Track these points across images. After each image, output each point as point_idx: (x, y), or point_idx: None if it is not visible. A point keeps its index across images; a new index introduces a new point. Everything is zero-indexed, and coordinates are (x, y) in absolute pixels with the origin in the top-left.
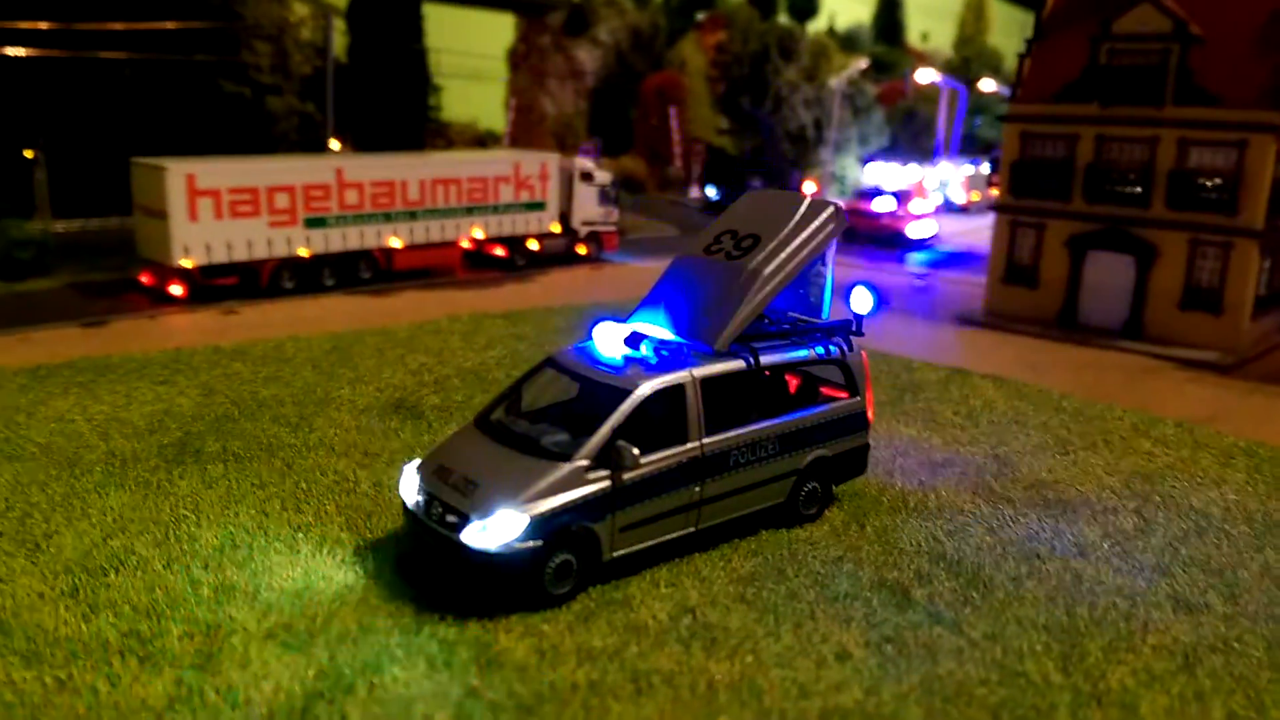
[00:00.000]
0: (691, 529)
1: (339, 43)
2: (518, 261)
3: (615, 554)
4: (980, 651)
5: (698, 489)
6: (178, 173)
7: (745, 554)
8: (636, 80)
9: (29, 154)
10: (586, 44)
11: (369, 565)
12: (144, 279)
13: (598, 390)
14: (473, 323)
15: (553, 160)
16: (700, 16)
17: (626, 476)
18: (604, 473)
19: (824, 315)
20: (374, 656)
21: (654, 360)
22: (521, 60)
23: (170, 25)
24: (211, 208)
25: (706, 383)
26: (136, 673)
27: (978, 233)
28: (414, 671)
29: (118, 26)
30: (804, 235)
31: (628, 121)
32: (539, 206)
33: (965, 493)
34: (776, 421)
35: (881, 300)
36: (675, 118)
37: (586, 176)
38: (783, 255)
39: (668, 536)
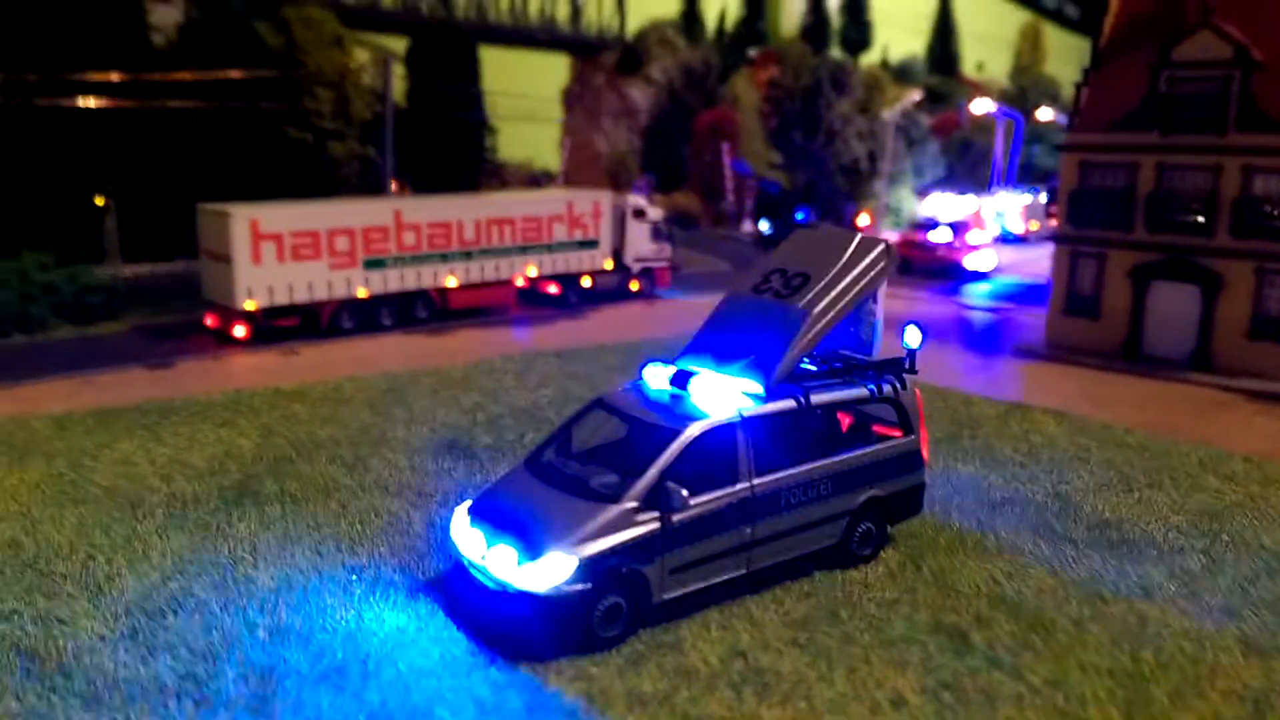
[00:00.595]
0: (743, 570)
1: (398, 87)
2: (571, 299)
3: (665, 596)
4: (1041, 698)
5: (749, 530)
6: (242, 218)
7: (798, 596)
8: (689, 117)
9: (100, 201)
10: (640, 82)
11: (422, 607)
12: (209, 321)
13: (646, 431)
14: (525, 361)
15: (605, 198)
16: (753, 52)
17: (676, 518)
18: (653, 514)
19: (874, 352)
20: (425, 701)
21: (703, 401)
22: (576, 100)
23: (236, 75)
24: (274, 251)
25: (756, 422)
26: (192, 715)
27: (1036, 263)
28: (463, 715)
29: (185, 77)
30: (854, 274)
31: (681, 158)
32: (592, 244)
33: (1025, 533)
34: (828, 461)
35: (941, 333)
36: (727, 153)
37: (639, 214)
38: (833, 294)
39: (719, 579)
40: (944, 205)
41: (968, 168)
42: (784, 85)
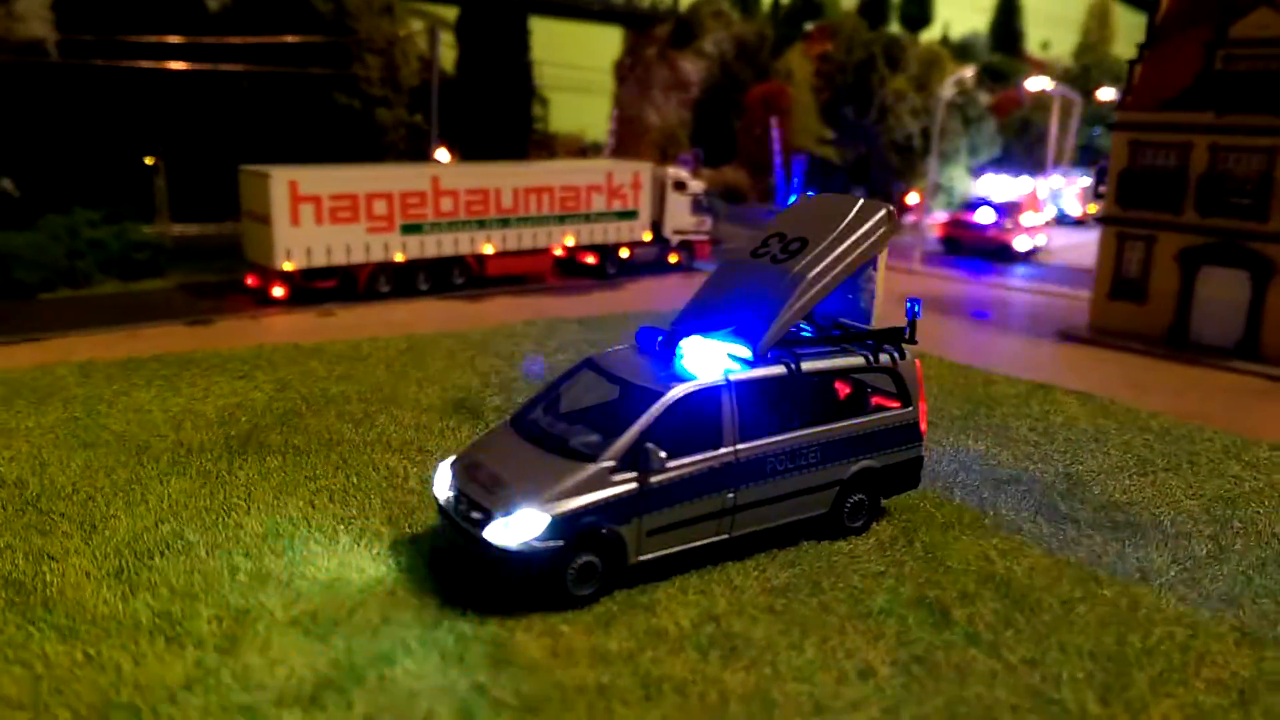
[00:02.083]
0: (724, 536)
1: (448, 56)
2: (608, 269)
3: (642, 558)
4: (1015, 676)
5: (731, 495)
6: (281, 179)
7: (782, 564)
8: (741, 91)
9: (150, 161)
10: (692, 55)
11: (403, 559)
12: (249, 281)
13: (631, 392)
14: (548, 327)
15: (645, 169)
16: (809, 26)
17: (654, 479)
18: (630, 475)
19: (872, 321)
20: (389, 648)
21: (691, 363)
22: (627, 72)
23: (287, 39)
24: (313, 213)
25: (743, 387)
26: (161, 652)
27: (1091, 245)
28: (426, 665)
29: (235, 40)
30: (853, 239)
31: (731, 132)
32: (631, 215)
33: (1027, 511)
34: (818, 429)
35: (980, 314)
36: (775, 127)
37: (679, 186)
38: (829, 259)
39: (698, 542)
40: (998, 185)
41: (1026, 148)
42: (836, 60)
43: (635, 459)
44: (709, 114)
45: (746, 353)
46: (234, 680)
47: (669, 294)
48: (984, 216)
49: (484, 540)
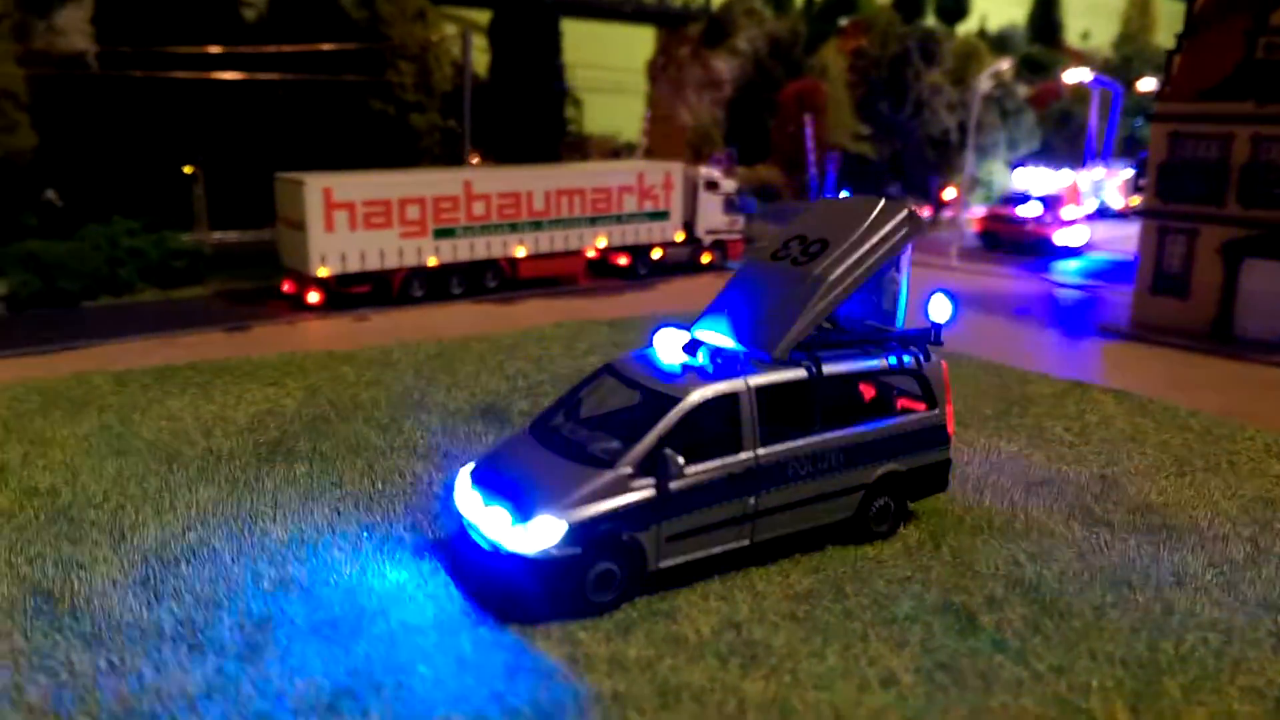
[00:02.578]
0: (746, 542)
1: (481, 60)
2: (640, 270)
3: (662, 565)
4: (1043, 685)
5: (752, 501)
6: (315, 186)
7: (806, 570)
8: (775, 88)
9: (188, 170)
10: (725, 54)
11: (425, 566)
12: (286, 287)
13: (650, 398)
14: (577, 329)
15: (677, 170)
16: (844, 22)
17: (673, 485)
18: (649, 481)
19: (899, 323)
20: (408, 656)
21: (711, 368)
22: (660, 72)
23: (328, 47)
24: (347, 219)
25: (763, 391)
26: (183, 660)
27: (1133, 239)
28: (443, 673)
29: (270, 49)
30: (874, 240)
31: (765, 130)
32: (663, 216)
33: (1059, 514)
34: (841, 433)
35: (1023, 310)
36: (809, 124)
37: (711, 185)
38: (850, 261)
39: (719, 549)
40: (1037, 179)
41: (1066, 140)
42: (870, 55)
43: (653, 465)
44: (742, 112)
45: (767, 356)
46: (253, 688)
47: (701, 294)
48: (1028, 210)
49: (502, 547)
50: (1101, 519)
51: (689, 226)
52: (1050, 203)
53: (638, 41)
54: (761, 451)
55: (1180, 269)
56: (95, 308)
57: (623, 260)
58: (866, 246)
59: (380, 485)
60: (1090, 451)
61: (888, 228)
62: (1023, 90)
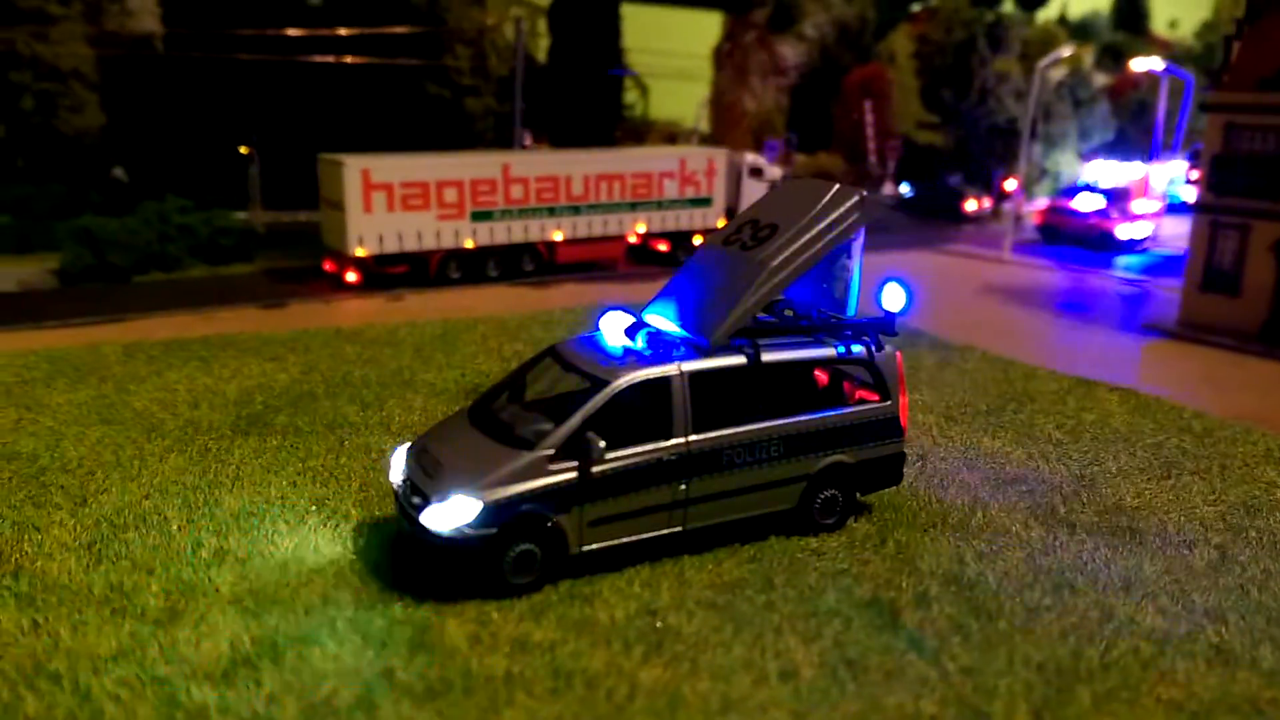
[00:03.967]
0: (678, 528)
1: (541, 45)
2: (680, 256)
3: (586, 548)
4: (948, 686)
5: (684, 487)
6: (354, 168)
7: (741, 559)
8: (840, 75)
9: (244, 150)
10: (791, 39)
11: (362, 541)
12: (327, 266)
13: (584, 381)
14: (586, 314)
15: (720, 156)
16: (916, 7)
17: (596, 469)
18: (571, 464)
19: (850, 311)
20: (315, 629)
21: (648, 353)
22: (725, 58)
23: (381, 31)
24: (385, 201)
25: (697, 377)
26: (102, 623)
27: None
28: (345, 647)
29: (325, 33)
30: (821, 226)
31: (829, 117)
32: (704, 202)
33: (1020, 513)
34: (781, 422)
35: (1073, 306)
36: (870, 111)
37: (755, 172)
38: (795, 246)
39: (647, 534)
40: (1107, 171)
41: (1142, 132)
42: (935, 41)
43: (577, 448)
44: (806, 99)
45: (704, 340)
46: (159, 654)
47: None
48: (1084, 203)
49: (421, 525)
50: (1064, 520)
51: (731, 213)
52: (1115, 196)
53: (705, 27)
54: (694, 438)
55: (1231, 266)
56: (144, 283)
57: (663, 246)
58: (813, 232)
59: (345, 461)
60: (1076, 450)
61: (836, 214)
62: (1101, 79)
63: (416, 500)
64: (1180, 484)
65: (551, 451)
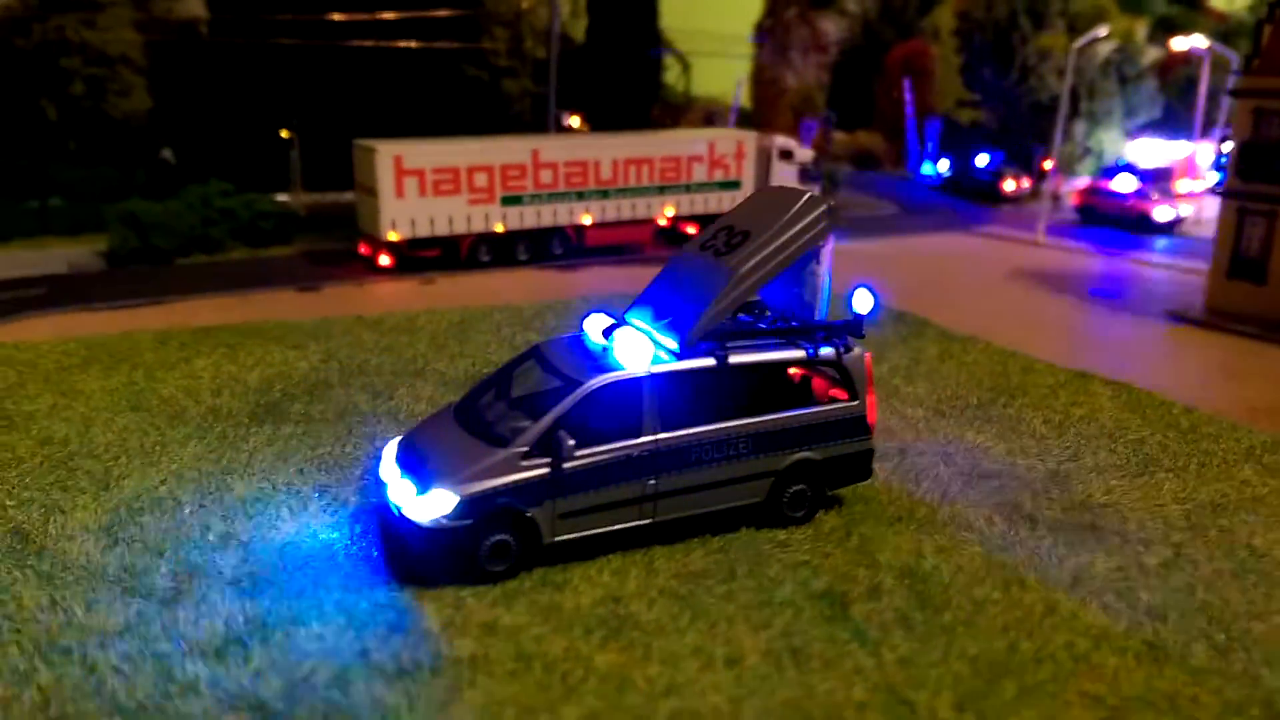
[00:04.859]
0: (647, 521)
1: (579, 26)
2: None
3: (558, 539)
4: (882, 675)
5: (653, 483)
6: (387, 154)
7: (710, 550)
8: (883, 51)
9: (285, 135)
10: (833, 15)
11: (359, 528)
12: (362, 249)
13: (560, 381)
14: (605, 302)
15: (749, 139)
16: None
17: (567, 465)
18: (543, 460)
19: (820, 315)
20: (303, 610)
21: (620, 354)
22: (766, 34)
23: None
24: (416, 186)
25: (666, 378)
26: (113, 601)
27: None
28: (329, 628)
29: (364, 17)
30: (790, 233)
31: (870, 94)
32: (734, 185)
33: (987, 508)
34: (748, 421)
35: (1098, 290)
36: (909, 89)
37: (786, 155)
38: (764, 253)
39: (617, 526)
40: (1151, 150)
41: (1190, 109)
42: (974, 17)
43: (549, 445)
44: (848, 75)
45: (674, 344)
46: (161, 631)
47: None
48: (1122, 184)
49: (406, 515)
50: (1028, 516)
51: None
52: (1153, 176)
53: (748, 4)
54: (662, 436)
55: (1259, 253)
56: (187, 265)
57: (692, 229)
58: (782, 239)
59: (350, 449)
60: (1058, 446)
61: (805, 221)
62: (1153, 54)
63: (401, 492)
64: (1153, 481)
65: (525, 448)
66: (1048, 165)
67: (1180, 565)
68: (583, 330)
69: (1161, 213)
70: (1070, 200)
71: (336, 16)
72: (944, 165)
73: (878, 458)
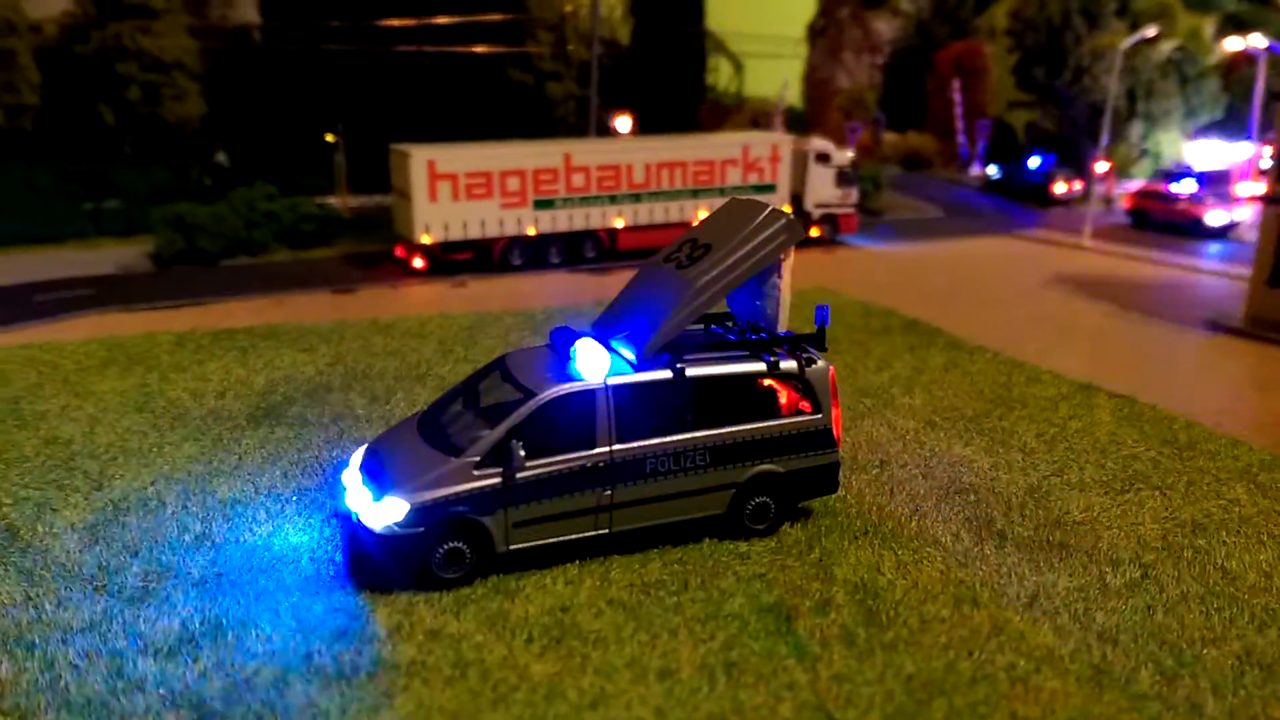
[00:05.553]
0: (603, 531)
1: (626, 30)
2: None
3: (512, 548)
4: (814, 691)
5: (608, 493)
6: (420, 158)
7: (668, 560)
8: (936, 51)
9: (330, 138)
10: (886, 14)
11: (329, 533)
12: (398, 252)
13: (517, 392)
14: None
15: (785, 142)
16: None
17: (520, 475)
18: (495, 470)
19: (780, 327)
20: (258, 612)
21: (580, 366)
22: (818, 35)
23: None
24: (450, 190)
25: (622, 390)
26: (85, 597)
27: None
28: (280, 630)
29: (411, 23)
30: (750, 246)
31: (922, 95)
32: (768, 189)
33: (957, 524)
34: (706, 433)
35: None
36: (958, 90)
37: (822, 158)
38: (722, 267)
39: (572, 536)
40: (1210, 152)
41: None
42: (1025, 17)
43: (502, 455)
44: (900, 76)
45: (632, 356)
46: (121, 629)
47: (800, 269)
48: (1175, 187)
49: (360, 522)
50: (998, 532)
51: (797, 200)
52: (1210, 179)
53: (802, 4)
54: (617, 447)
55: None
56: (230, 266)
57: None
58: (741, 253)
59: (337, 453)
60: (1045, 460)
61: (764, 235)
62: (1215, 52)
63: (358, 498)
64: (1136, 499)
65: (478, 458)
66: (1099, 167)
67: (1145, 587)
68: (549, 341)
69: (1215, 217)
70: (1122, 203)
71: (394, 22)
72: (992, 169)
73: (857, 469)
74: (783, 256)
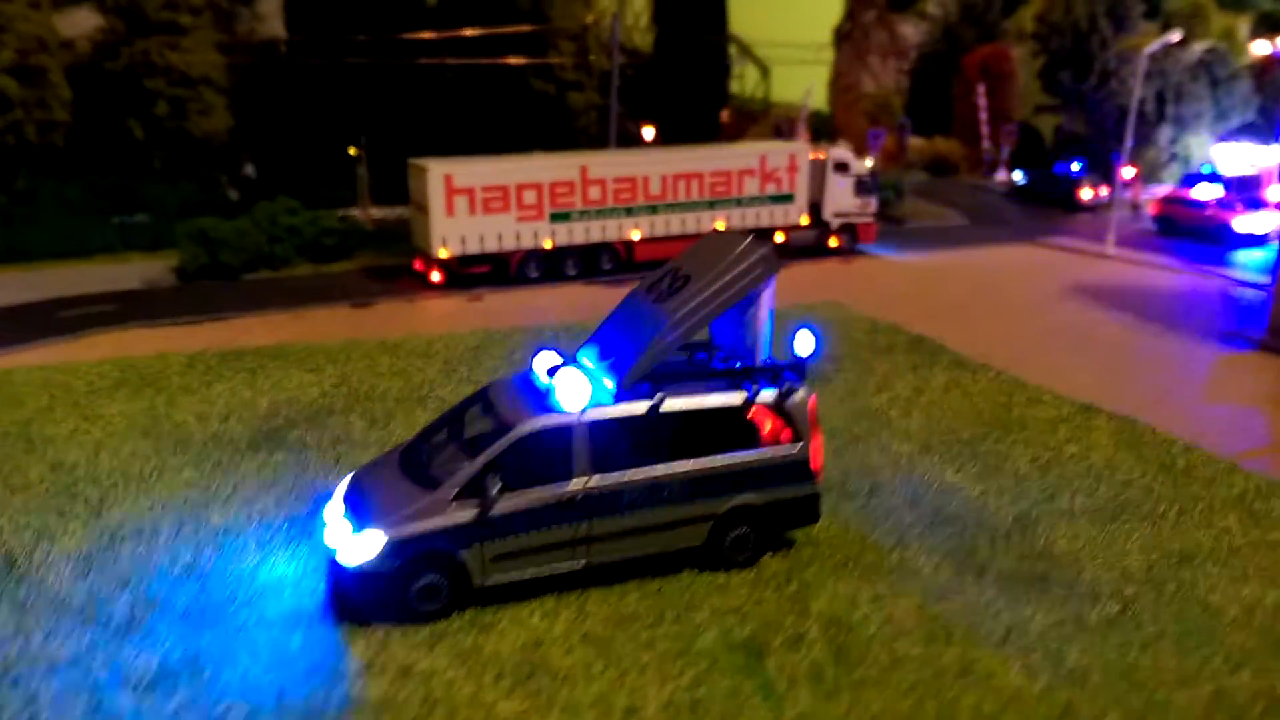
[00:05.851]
0: (581, 564)
1: (646, 38)
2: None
3: (488, 582)
4: None
5: (585, 526)
6: (437, 173)
7: (646, 592)
8: (963, 55)
9: (353, 152)
10: (913, 18)
11: (312, 562)
12: (416, 265)
13: (497, 423)
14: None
15: (802, 151)
16: None
17: (496, 509)
18: (472, 503)
19: (760, 357)
20: (239, 646)
21: (560, 396)
22: (844, 39)
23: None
24: (466, 204)
25: (599, 424)
26: (73, 629)
27: None
28: (256, 666)
29: (430, 36)
30: (728, 277)
31: (949, 99)
32: (786, 199)
33: (939, 556)
34: (684, 466)
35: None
36: (983, 94)
37: (841, 167)
38: (700, 298)
39: (550, 570)
40: (1239, 156)
41: None
42: (1051, 20)
43: (478, 489)
44: (927, 80)
45: (611, 386)
46: (104, 662)
47: (818, 281)
48: (1203, 192)
49: (337, 556)
50: (980, 564)
51: (815, 209)
52: (1239, 184)
53: (828, 7)
54: (594, 480)
55: None
56: (252, 281)
57: None
58: (719, 284)
59: (332, 478)
60: (1036, 487)
61: (743, 266)
62: (1247, 54)
63: (337, 531)
64: (1124, 529)
65: (455, 491)
66: (1126, 173)
67: (1122, 623)
68: (530, 369)
69: (1242, 223)
70: (1148, 210)
71: (424, 35)
72: (1018, 175)
73: (846, 496)
74: (762, 287)
